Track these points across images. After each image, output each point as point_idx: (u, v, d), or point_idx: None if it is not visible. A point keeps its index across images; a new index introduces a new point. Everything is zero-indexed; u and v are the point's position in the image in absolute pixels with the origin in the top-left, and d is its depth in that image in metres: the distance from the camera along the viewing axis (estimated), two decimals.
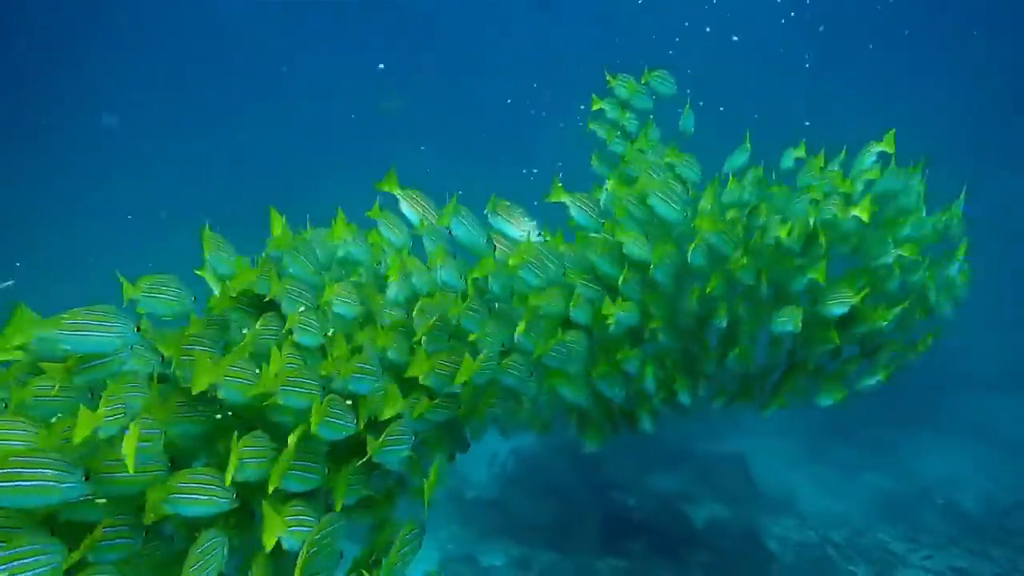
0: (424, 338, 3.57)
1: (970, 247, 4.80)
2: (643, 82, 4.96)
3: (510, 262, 3.88)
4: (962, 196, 4.86)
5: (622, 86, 4.92)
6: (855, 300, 4.36)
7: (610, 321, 4.11)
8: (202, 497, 2.73)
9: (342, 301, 3.56)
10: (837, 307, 4.39)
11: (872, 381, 4.70)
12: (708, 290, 4.37)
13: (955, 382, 12.92)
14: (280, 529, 2.84)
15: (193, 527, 2.93)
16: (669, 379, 4.70)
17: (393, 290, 3.79)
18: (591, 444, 4.75)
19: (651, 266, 4.20)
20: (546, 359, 3.94)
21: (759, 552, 8.65)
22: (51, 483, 2.38)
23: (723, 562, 8.24)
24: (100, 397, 2.69)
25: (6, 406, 2.74)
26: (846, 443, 11.57)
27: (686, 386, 4.72)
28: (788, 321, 4.33)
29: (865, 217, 4.28)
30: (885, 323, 4.47)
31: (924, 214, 4.67)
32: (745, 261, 4.40)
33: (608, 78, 4.96)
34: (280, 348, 3.17)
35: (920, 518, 9.75)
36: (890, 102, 23.85)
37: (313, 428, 3.00)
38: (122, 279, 3.13)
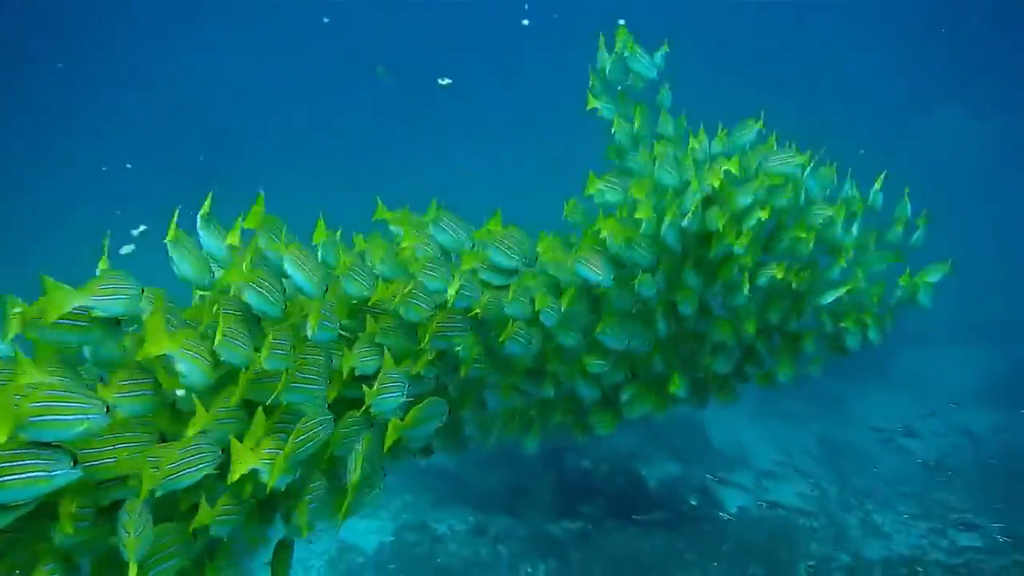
0: (403, 307, 3.50)
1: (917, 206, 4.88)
2: (658, 55, 4.82)
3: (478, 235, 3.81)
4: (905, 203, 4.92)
5: (627, 41, 4.73)
6: (777, 273, 4.41)
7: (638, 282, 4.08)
8: (192, 470, 2.68)
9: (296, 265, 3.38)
10: (761, 278, 4.51)
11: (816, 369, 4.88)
12: (711, 254, 4.34)
13: (902, 338, 13.18)
14: (252, 461, 2.82)
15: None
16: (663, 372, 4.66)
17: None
18: (531, 445, 4.61)
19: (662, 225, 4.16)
20: (543, 315, 3.86)
21: (714, 508, 8.74)
22: (41, 473, 2.33)
23: (678, 520, 8.29)
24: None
25: None
26: (795, 398, 11.74)
27: (682, 379, 4.64)
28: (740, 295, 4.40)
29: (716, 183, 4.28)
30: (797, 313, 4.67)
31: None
32: (747, 237, 4.33)
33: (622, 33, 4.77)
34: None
35: (870, 467, 9.97)
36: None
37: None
38: (129, 245, 3.03)
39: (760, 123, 4.64)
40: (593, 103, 4.83)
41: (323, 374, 3.12)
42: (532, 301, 3.85)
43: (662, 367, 4.69)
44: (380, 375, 3.24)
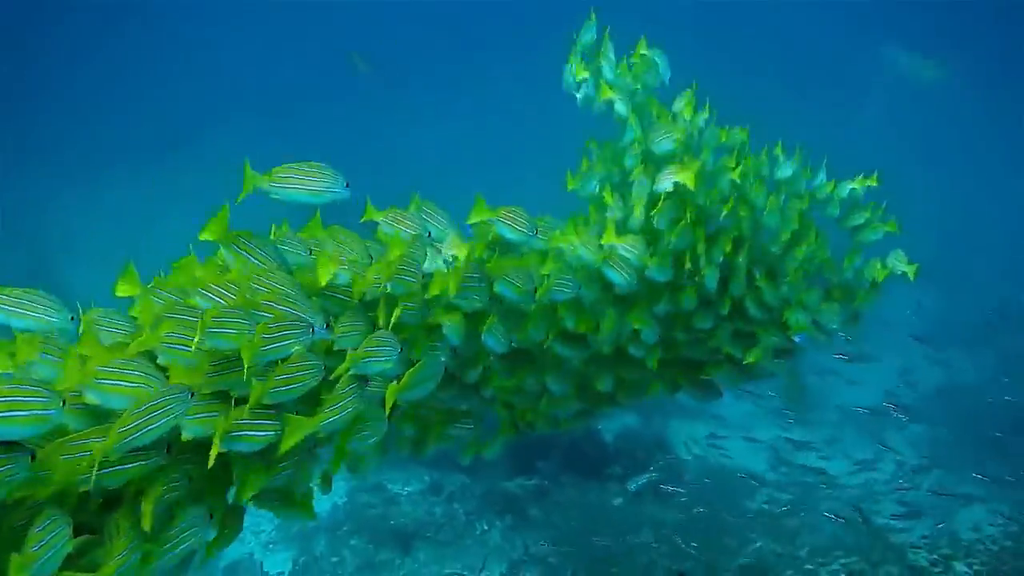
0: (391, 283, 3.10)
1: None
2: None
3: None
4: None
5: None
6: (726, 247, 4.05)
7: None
8: (155, 425, 2.38)
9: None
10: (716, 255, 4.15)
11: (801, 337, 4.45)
12: (724, 212, 3.95)
13: None
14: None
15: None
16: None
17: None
18: (491, 451, 4.19)
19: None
20: (554, 292, 3.49)
21: (671, 461, 8.77)
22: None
23: (635, 473, 8.31)
24: None
25: None
26: None
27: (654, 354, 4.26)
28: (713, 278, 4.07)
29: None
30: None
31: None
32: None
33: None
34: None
35: (823, 412, 10.11)
36: None
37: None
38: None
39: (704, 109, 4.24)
40: (581, 72, 4.34)
41: (298, 330, 2.75)
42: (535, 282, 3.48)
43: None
44: (369, 337, 2.94)
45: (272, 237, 3.08)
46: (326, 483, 3.28)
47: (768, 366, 4.41)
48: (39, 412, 2.23)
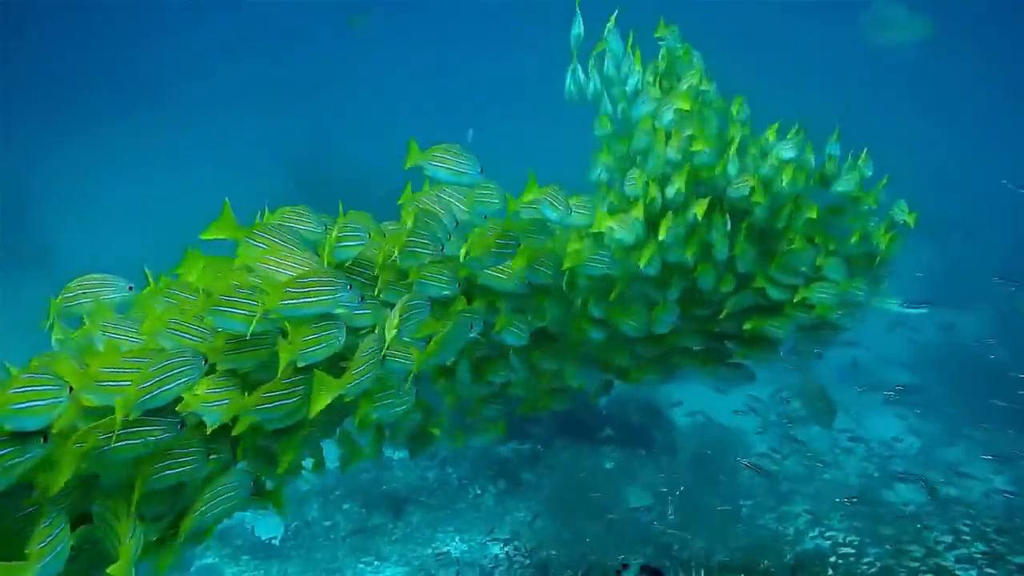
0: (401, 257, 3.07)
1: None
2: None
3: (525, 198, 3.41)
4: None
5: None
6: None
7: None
8: (171, 385, 2.40)
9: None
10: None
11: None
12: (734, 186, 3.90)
13: None
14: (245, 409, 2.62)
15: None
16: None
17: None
18: (486, 437, 4.18)
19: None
20: (587, 267, 3.57)
21: (662, 423, 8.73)
22: (17, 459, 2.19)
23: (626, 436, 8.28)
24: None
25: None
26: None
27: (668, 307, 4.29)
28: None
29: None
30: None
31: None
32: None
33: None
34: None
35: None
36: None
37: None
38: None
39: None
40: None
41: (334, 287, 2.70)
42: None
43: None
44: (400, 302, 2.89)
45: (278, 217, 3.03)
46: (318, 467, 3.50)
47: (799, 343, 4.42)
48: (54, 401, 2.23)
